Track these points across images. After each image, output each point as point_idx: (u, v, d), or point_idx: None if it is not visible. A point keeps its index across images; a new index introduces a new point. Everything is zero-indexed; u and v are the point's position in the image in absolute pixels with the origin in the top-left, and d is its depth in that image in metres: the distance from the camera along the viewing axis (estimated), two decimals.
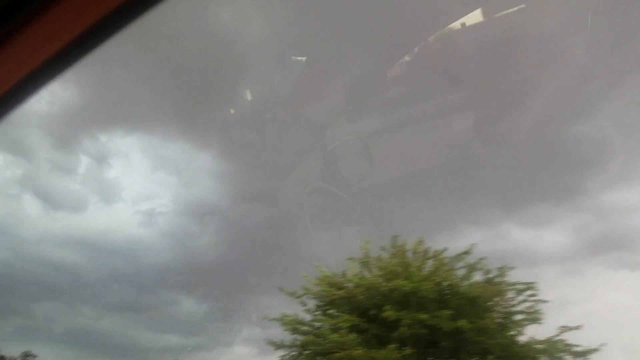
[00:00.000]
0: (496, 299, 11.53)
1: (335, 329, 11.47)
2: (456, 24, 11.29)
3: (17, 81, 1.32)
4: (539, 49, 11.84)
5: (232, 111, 15.90)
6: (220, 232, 22.52)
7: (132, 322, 23.86)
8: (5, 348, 20.38)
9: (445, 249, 12.42)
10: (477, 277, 11.85)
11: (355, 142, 14.15)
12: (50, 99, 17.72)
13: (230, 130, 18.11)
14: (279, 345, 12.72)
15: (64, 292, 21.40)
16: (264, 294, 21.26)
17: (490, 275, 11.71)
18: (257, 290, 19.88)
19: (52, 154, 21.50)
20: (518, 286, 11.49)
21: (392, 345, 10.67)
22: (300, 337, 12.54)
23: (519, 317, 11.46)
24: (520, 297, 11.47)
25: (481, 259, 11.87)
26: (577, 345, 10.84)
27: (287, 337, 12.77)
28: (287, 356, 12.85)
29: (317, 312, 12.87)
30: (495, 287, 11.55)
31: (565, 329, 10.97)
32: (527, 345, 11.10)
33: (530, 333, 11.27)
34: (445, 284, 11.72)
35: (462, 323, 10.63)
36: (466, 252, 11.91)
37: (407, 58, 12.71)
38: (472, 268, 11.84)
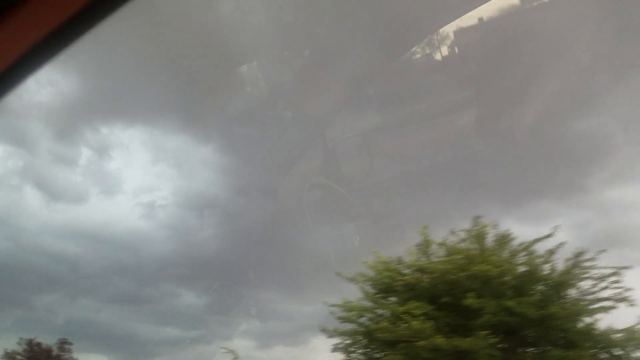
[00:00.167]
0: (579, 285, 10.89)
1: (404, 317, 10.75)
2: (459, 21, 11.25)
3: (11, 62, 1.28)
4: (540, 45, 11.79)
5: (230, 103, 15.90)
6: (220, 225, 22.57)
7: (132, 315, 24.01)
8: (6, 339, 20.56)
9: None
10: (556, 262, 11.14)
11: (356, 138, 14.14)
12: (52, 91, 17.74)
13: (231, 124, 18.11)
14: (332, 333, 12.25)
15: (64, 284, 21.51)
16: (264, 287, 21.37)
17: (574, 260, 10.99)
18: (257, 284, 19.96)
19: (53, 145, 21.50)
20: (603, 271, 10.69)
21: (483, 332, 9.99)
22: (355, 325, 12.09)
23: (601, 304, 10.74)
24: (603, 284, 10.70)
25: (560, 243, 11.11)
26: None
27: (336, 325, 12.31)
28: (341, 345, 12.41)
29: (375, 300, 12.29)
30: (578, 272, 10.89)
31: None
32: (606, 333, 10.53)
33: (606, 322, 10.70)
34: (523, 269, 11.14)
35: (555, 310, 10.11)
36: (548, 235, 11.15)
37: (409, 55, 12.68)
38: (551, 252, 11.08)
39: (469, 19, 10.88)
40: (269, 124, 16.23)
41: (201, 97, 17.11)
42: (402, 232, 18.55)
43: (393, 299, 12.16)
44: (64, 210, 23.32)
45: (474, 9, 10.67)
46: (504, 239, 11.59)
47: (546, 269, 11.10)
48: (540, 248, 11.20)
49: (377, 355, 12.14)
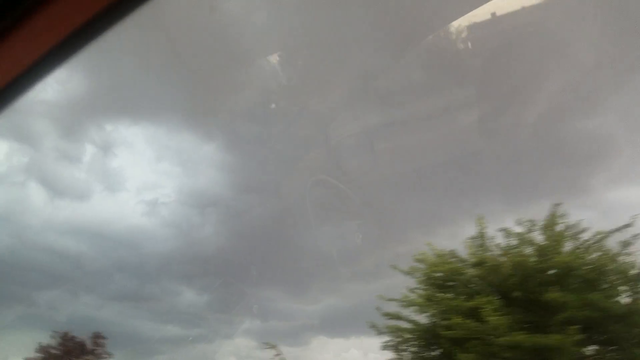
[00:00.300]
0: None
1: (483, 312, 9.99)
2: (461, 19, 11.25)
3: (23, 69, 1.34)
4: (544, 44, 11.78)
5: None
6: (223, 223, 22.63)
7: (133, 312, 24.07)
8: (8, 335, 20.60)
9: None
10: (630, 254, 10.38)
11: (359, 136, 14.15)
12: (57, 88, 17.82)
13: (234, 122, 18.16)
14: (381, 331, 11.77)
15: (67, 280, 21.57)
16: (265, 286, 21.37)
17: None
18: (258, 282, 19.97)
19: (57, 142, 21.61)
20: None
21: (572, 328, 9.26)
22: (405, 321, 11.57)
23: None
24: None
25: (635, 235, 10.27)
26: None
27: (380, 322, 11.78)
28: (392, 342, 11.92)
29: (431, 295, 11.64)
30: None
31: None
32: None
33: None
34: (599, 261, 10.42)
35: None
36: (627, 225, 10.33)
37: (412, 52, 12.68)
38: (625, 244, 10.35)
39: (471, 17, 10.87)
40: (272, 122, 16.28)
41: (205, 95, 17.17)
42: (404, 231, 18.57)
43: (449, 294, 11.48)
44: (68, 206, 23.40)
45: (476, 7, 10.67)
46: (575, 230, 10.86)
47: (622, 261, 10.36)
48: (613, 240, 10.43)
49: (433, 354, 11.55)
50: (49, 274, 22.81)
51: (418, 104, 12.81)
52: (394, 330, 11.78)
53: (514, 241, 11.23)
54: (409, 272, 12.01)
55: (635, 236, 10.31)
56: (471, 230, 11.89)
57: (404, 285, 12.06)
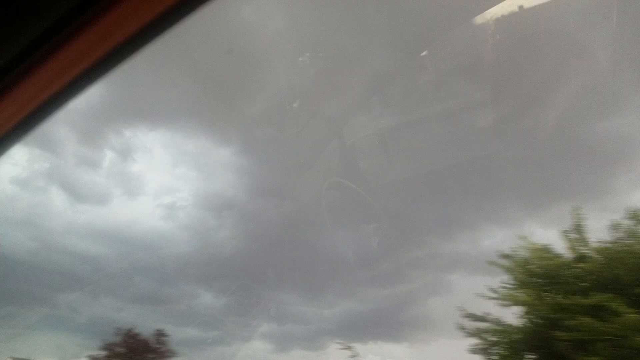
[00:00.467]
0: None
1: (617, 309, 9.21)
2: (477, 18, 11.12)
3: (58, 88, 1.41)
4: (562, 44, 11.57)
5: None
6: (239, 226, 22.71)
7: (152, 314, 24.28)
8: (32, 336, 20.97)
9: None
10: None
11: (374, 138, 14.07)
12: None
13: (250, 126, 18.24)
14: (472, 333, 11.20)
15: (87, 283, 21.90)
16: (281, 289, 21.37)
17: None
18: (275, 285, 19.97)
19: (78, 148, 22.04)
20: None
21: None
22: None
23: None
24: None
25: None
26: None
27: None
28: (482, 344, 11.35)
29: (538, 293, 10.85)
30: None
31: None
32: None
33: None
34: None
35: None
36: None
37: (427, 53, 12.59)
38: None
39: (487, 17, 10.74)
40: (288, 125, 16.30)
41: (221, 100, 17.31)
42: (421, 234, 18.36)
43: (557, 292, 10.72)
44: (88, 210, 23.85)
45: (492, 6, 10.54)
46: None
47: None
48: None
49: (533, 358, 10.78)
50: (70, 277, 23.23)
51: (434, 105, 12.70)
52: (484, 333, 11.26)
53: (620, 234, 10.58)
54: (509, 269, 11.37)
55: None
56: (491, 233, 11.63)
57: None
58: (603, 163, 16.59)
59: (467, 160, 14.51)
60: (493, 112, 12.68)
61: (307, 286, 22.11)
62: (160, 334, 20.88)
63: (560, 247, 11.18)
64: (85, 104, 18.67)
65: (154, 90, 17.66)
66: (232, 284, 20.28)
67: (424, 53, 11.82)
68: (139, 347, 20.61)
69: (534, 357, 10.89)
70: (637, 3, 10.43)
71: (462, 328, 11.59)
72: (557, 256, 11.30)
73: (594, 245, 10.90)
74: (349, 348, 13.76)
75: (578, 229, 11.10)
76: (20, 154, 20.56)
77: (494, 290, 11.50)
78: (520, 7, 10.27)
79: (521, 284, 11.32)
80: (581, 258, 10.86)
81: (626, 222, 10.69)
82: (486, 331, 11.38)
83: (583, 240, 11.09)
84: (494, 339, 11.29)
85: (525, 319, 11.05)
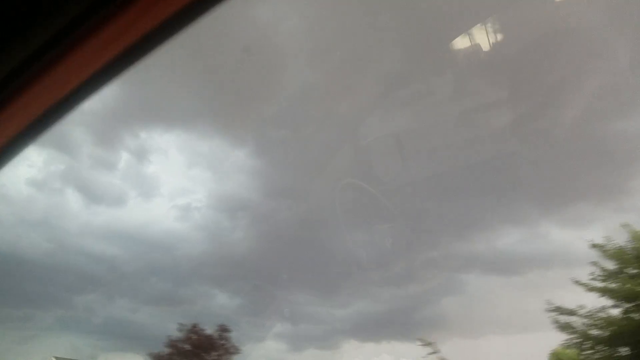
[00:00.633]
0: None
1: None
2: (494, 18, 11.05)
3: (73, 87, 1.42)
4: (580, 44, 11.45)
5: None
6: (253, 227, 22.83)
7: (167, 315, 24.47)
8: (48, 337, 21.22)
9: None
10: None
11: (389, 139, 14.03)
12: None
13: (263, 128, 18.31)
14: (572, 330, 10.68)
15: (103, 284, 22.13)
16: (295, 289, 21.41)
17: None
18: (289, 285, 20.01)
19: (94, 150, 22.29)
20: None
21: None
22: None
23: None
24: None
25: None
26: None
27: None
28: (574, 340, 10.98)
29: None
30: None
31: None
32: None
33: None
34: None
35: None
36: None
37: (443, 53, 12.53)
38: None
39: (505, 16, 10.68)
40: (301, 126, 16.35)
41: (235, 102, 17.39)
42: (436, 235, 18.29)
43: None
44: (104, 212, 24.08)
45: (510, 6, 10.46)
46: None
47: None
48: None
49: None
50: (86, 278, 23.48)
51: (450, 105, 12.63)
52: (574, 327, 10.78)
53: None
54: (612, 255, 10.73)
55: None
56: (507, 233, 11.54)
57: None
58: (620, 163, 16.41)
59: (483, 160, 14.41)
60: (510, 112, 12.58)
61: (321, 286, 22.17)
62: (223, 329, 20.47)
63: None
64: (101, 106, 18.89)
65: (169, 91, 17.80)
66: (246, 285, 20.41)
67: (440, 54, 11.76)
68: (203, 344, 19.97)
69: (628, 351, 10.43)
70: None
71: (557, 323, 11.10)
72: None
73: None
74: (429, 344, 13.36)
75: None
76: (36, 156, 20.86)
77: (580, 283, 11.01)
78: (537, 8, 10.18)
79: (619, 275, 10.74)
80: None
81: None
82: (577, 325, 10.98)
83: None
84: (587, 332, 10.86)
85: (621, 313, 10.56)
